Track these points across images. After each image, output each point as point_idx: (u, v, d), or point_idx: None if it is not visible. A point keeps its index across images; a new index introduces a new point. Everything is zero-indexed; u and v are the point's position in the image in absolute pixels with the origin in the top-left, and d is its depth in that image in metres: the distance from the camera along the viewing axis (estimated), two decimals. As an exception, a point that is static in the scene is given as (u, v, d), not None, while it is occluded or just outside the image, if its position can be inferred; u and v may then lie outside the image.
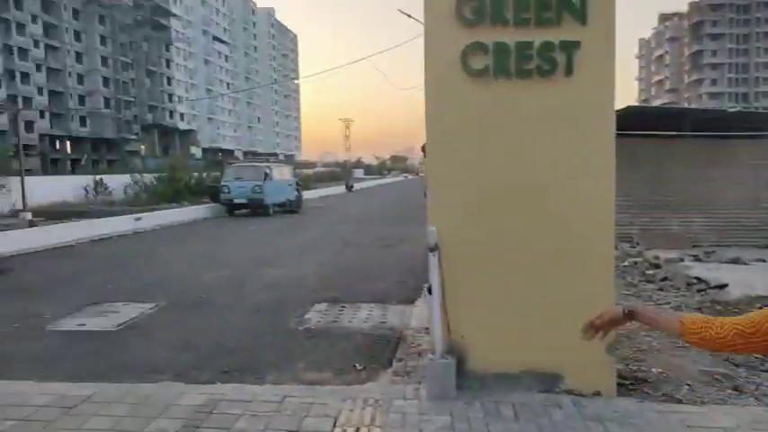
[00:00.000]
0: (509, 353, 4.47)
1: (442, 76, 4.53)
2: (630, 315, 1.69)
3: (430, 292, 4.57)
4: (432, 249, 4.56)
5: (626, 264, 9.43)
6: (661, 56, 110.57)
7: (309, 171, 54.07)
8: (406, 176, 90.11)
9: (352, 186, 41.88)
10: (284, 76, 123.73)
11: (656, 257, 9.51)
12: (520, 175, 4.54)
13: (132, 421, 3.79)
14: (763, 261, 9.65)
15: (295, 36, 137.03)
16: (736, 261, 9.45)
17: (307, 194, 28.97)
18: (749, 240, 11.85)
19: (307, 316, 6.70)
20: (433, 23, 4.54)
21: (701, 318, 1.62)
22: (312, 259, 10.88)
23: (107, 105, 70.38)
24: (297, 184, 23.96)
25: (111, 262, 10.83)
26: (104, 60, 70.67)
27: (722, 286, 7.50)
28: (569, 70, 4.44)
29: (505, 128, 4.52)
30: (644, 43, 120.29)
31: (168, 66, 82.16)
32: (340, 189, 40.32)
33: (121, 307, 7.11)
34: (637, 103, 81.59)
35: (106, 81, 70.74)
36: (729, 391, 4.18)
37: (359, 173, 77.11)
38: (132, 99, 74.41)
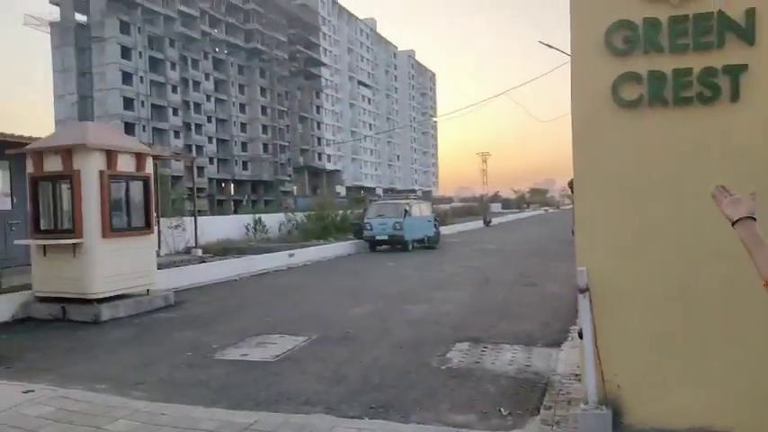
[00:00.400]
0: (673, 407, 4.07)
1: (591, 108, 4.39)
2: (750, 221, 1.65)
3: (581, 336, 4.35)
4: (582, 291, 4.35)
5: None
6: None
7: (446, 206, 54.35)
8: (546, 210, 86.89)
9: (489, 221, 41.35)
10: (423, 114, 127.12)
11: None
12: (684, 210, 4.20)
13: (289, 450, 4.03)
14: None
15: (433, 75, 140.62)
16: None
17: (444, 230, 29.13)
18: None
19: (448, 355, 6.68)
20: (581, 55, 4.43)
21: None
22: (452, 296, 10.87)
23: (265, 150, 77.52)
24: (435, 219, 24.24)
25: (269, 295, 11.72)
26: (264, 109, 78.25)
27: None
28: (735, 96, 4.08)
29: (663, 160, 4.24)
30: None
31: (318, 111, 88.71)
32: (477, 224, 39.99)
33: (278, 339, 7.65)
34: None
35: (265, 128, 78.14)
36: None
37: (496, 207, 75.87)
38: (287, 143, 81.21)
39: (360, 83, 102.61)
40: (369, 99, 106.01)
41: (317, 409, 4.99)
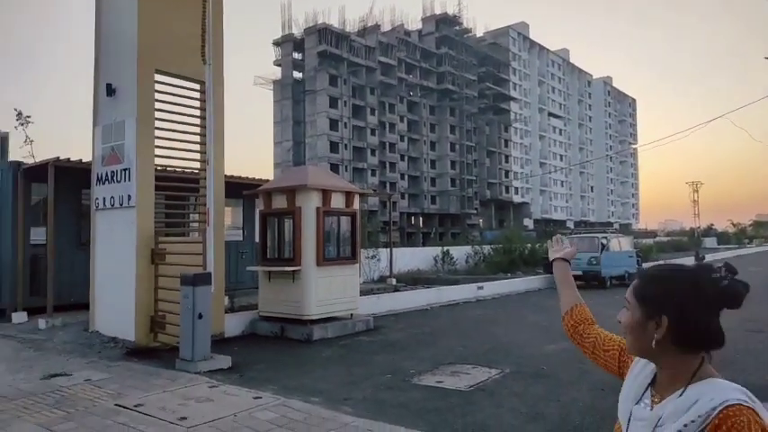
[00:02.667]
0: None
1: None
2: (563, 262, 1.95)
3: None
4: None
5: None
6: None
7: (650, 240, 49.60)
8: None
9: (703, 258, 36.70)
10: (620, 143, 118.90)
11: None
12: None
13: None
14: None
15: (633, 101, 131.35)
16: None
17: (648, 266, 26.58)
18: None
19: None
20: None
21: (589, 316, 1.84)
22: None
23: (453, 185, 79.27)
24: (637, 255, 22.36)
25: (460, 326, 11.90)
26: (452, 146, 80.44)
27: None
28: None
29: None
30: None
31: (506, 145, 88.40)
32: (688, 260, 35.76)
33: (471, 369, 7.75)
34: None
35: (453, 164, 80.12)
36: None
37: (710, 242, 67.07)
38: (474, 178, 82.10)
39: (550, 114, 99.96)
40: (560, 130, 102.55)
41: (514, 443, 4.96)
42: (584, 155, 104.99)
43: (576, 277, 13.47)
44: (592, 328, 1.78)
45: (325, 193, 10.46)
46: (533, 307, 15.05)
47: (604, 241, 20.50)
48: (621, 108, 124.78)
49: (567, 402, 6.17)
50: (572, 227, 70.61)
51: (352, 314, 10.96)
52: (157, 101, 9.22)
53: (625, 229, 76.33)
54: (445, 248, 26.73)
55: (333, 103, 68.51)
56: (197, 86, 9.47)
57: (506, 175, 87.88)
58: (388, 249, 19.35)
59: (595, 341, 1.73)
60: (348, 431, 5.20)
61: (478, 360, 8.30)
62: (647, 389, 1.41)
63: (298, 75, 72.41)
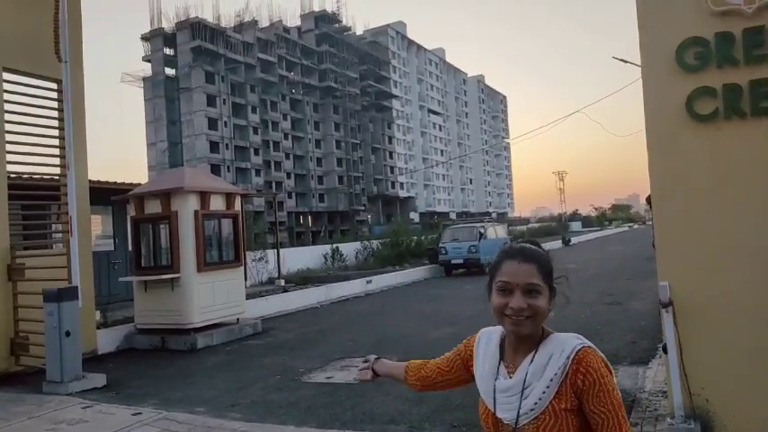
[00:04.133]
0: (763, 418, 3.91)
1: (666, 123, 4.41)
2: (374, 372, 1.92)
3: (665, 351, 4.29)
4: (665, 306, 4.30)
5: None
6: None
7: (523, 227, 53.28)
8: (630, 226, 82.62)
9: (569, 240, 40.10)
10: (494, 137, 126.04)
11: None
12: (758, 221, 4.09)
13: (375, 465, 4.21)
14: None
15: (504, 98, 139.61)
16: None
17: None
18: None
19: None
20: (652, 72, 4.49)
21: (420, 361, 1.90)
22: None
23: (340, 182, 79.61)
24: (510, 241, 23.92)
25: (349, 321, 12.05)
26: (338, 143, 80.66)
27: None
28: (817, 101, 3.98)
29: (740, 171, 4.17)
30: None
31: (390, 141, 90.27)
32: (556, 244, 38.88)
33: (360, 362, 7.86)
34: None
35: (339, 161, 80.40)
36: None
37: (576, 226, 73.28)
38: (360, 175, 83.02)
39: (430, 111, 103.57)
40: (439, 126, 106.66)
41: (401, 428, 5.15)
42: (462, 149, 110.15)
43: (458, 265, 14.24)
44: (427, 366, 1.84)
45: (204, 196, 10.09)
46: (419, 297, 15.60)
47: (482, 230, 21.68)
48: (494, 105, 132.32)
49: (450, 384, 6.50)
50: (454, 218, 73.85)
51: (238, 319, 10.69)
52: (6, 102, 8.35)
53: (501, 218, 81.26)
54: (335, 246, 26.85)
55: (211, 101, 65.83)
56: (54, 86, 8.70)
57: (392, 171, 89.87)
58: (276, 250, 19.06)
59: (439, 371, 1.80)
60: (236, 437, 5.10)
61: (367, 352, 8.32)
62: (499, 364, 1.53)
63: (170, 71, 68.67)
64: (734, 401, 3.99)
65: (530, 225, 65.87)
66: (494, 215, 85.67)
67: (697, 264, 4.23)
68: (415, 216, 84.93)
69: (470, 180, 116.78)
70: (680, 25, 4.32)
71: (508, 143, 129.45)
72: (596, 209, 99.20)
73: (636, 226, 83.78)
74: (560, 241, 39.91)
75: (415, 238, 28.89)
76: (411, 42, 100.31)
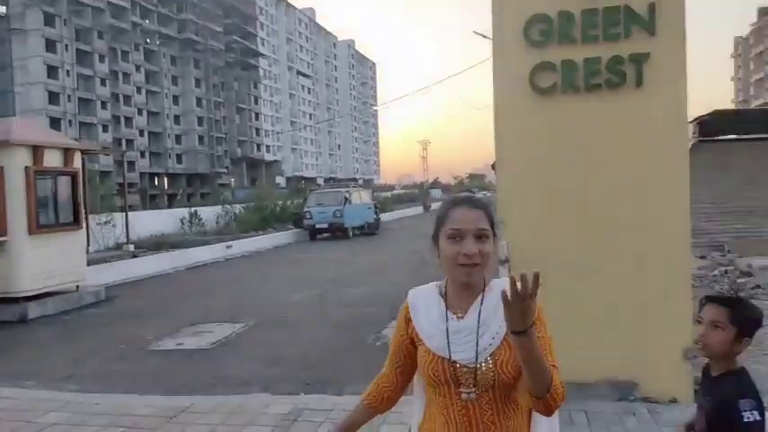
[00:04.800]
0: (584, 362, 4.42)
1: (511, 95, 4.67)
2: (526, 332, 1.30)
3: (502, 304, 4.65)
4: (502, 262, 4.64)
5: (715, 273, 8.93)
6: (761, 53, 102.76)
7: (388, 194, 54.79)
8: (485, 194, 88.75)
9: (429, 206, 42.03)
10: (363, 104, 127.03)
11: (749, 266, 8.94)
12: (590, 186, 4.55)
13: (226, 429, 4.12)
14: None
15: (374, 64, 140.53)
16: None
17: (385, 216, 29.47)
18: None
19: (384, 332, 6.91)
20: (501, 46, 4.70)
21: (372, 386, 1.72)
22: (390, 278, 11.13)
23: (201, 143, 75.37)
24: (375, 206, 24.49)
25: (205, 287, 11.60)
26: (199, 101, 75.90)
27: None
28: (639, 81, 4.45)
29: (574, 141, 4.57)
30: (741, 41, 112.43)
31: (256, 102, 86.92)
32: (418, 210, 40.64)
33: (215, 327, 7.65)
34: (733, 105, 76.31)
35: (200, 120, 75.86)
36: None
37: (436, 193, 76.98)
38: (223, 135, 79.25)
39: (299, 73, 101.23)
40: (308, 89, 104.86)
41: (254, 390, 5.09)
42: (331, 114, 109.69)
43: (322, 230, 14.18)
44: (384, 379, 1.69)
45: (37, 150, 8.98)
46: (282, 261, 15.45)
47: (347, 195, 21.91)
48: (363, 71, 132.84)
49: (306, 343, 6.56)
50: (321, 183, 73.86)
51: (78, 286, 9.79)
52: None
53: (368, 184, 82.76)
54: (193, 209, 25.55)
55: (50, 46, 58.28)
56: None
57: (257, 133, 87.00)
58: (124, 213, 17.67)
59: (399, 370, 1.64)
60: (70, 409, 4.70)
61: (223, 317, 8.24)
62: (446, 312, 1.50)
63: (1, 9, 59.55)
64: (557, 349, 4.45)
65: (394, 192, 67.85)
66: (360, 182, 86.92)
67: (532, 224, 4.61)
68: (281, 180, 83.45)
69: (338, 146, 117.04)
70: (528, 3, 4.58)
71: (376, 110, 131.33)
72: (455, 178, 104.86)
73: (488, 194, 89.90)
74: (421, 207, 41.69)
75: (281, 202, 28.44)
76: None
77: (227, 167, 79.25)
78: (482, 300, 1.48)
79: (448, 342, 1.46)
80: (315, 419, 4.16)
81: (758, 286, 7.80)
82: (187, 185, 71.66)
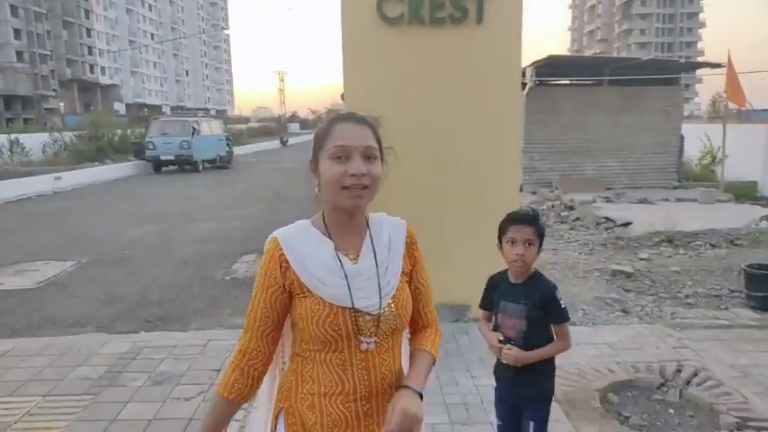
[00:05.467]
0: (426, 288, 4.74)
1: (359, 24, 4.61)
2: (420, 395, 1.30)
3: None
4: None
5: (544, 207, 9.96)
6: (593, 6, 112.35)
7: (242, 126, 52.53)
8: None
9: (286, 141, 41.17)
10: (213, 26, 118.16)
11: (572, 200, 10.08)
12: (432, 118, 4.71)
13: (54, 371, 3.82)
14: (667, 200, 10.43)
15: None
16: (643, 201, 10.18)
17: (239, 150, 28.38)
18: (658, 182, 12.73)
19: (233, 267, 6.78)
20: None
21: (228, 371, 1.33)
22: (242, 213, 10.84)
23: (20, 59, 65.23)
24: (227, 139, 23.37)
25: (29, 222, 10.39)
26: (14, 10, 64.95)
27: (626, 224, 8.11)
28: (480, 18, 4.61)
29: (419, 74, 4.67)
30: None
31: (87, 16, 76.56)
32: (274, 144, 39.66)
33: (41, 266, 6.94)
34: (569, 53, 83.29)
35: (17, 33, 65.22)
36: (618, 313, 4.64)
37: (294, 127, 75.52)
38: (48, 53, 69.22)
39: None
40: (149, 5, 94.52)
41: (87, 330, 4.76)
42: (176, 35, 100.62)
43: (168, 162, 13.30)
44: (245, 359, 1.33)
45: None
46: (121, 194, 14.28)
47: (195, 125, 20.58)
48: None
49: (148, 282, 6.21)
50: (168, 112, 68.51)
51: None
52: None
53: (221, 115, 78.43)
54: (14, 136, 22.37)
55: None
56: None
57: (90, 52, 77.30)
58: None
59: (273, 326, 1.33)
60: None
61: (51, 255, 7.48)
62: (337, 253, 1.31)
63: None
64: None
65: (249, 124, 65.08)
66: (213, 112, 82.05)
67: (378, 157, 4.70)
68: (120, 107, 75.78)
69: (186, 72, 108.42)
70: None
71: (228, 34, 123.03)
72: (313, 112, 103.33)
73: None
74: (278, 141, 40.68)
75: (119, 131, 25.95)
76: None
77: (54, 90, 69.92)
78: (370, 237, 1.34)
79: (349, 288, 1.27)
80: (156, 356, 4.01)
81: (578, 218, 8.85)
82: (6, 109, 62.35)
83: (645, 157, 12.96)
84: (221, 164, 21.90)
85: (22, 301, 5.59)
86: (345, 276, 1.28)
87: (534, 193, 11.66)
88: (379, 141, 1.34)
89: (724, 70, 11.72)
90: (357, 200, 1.27)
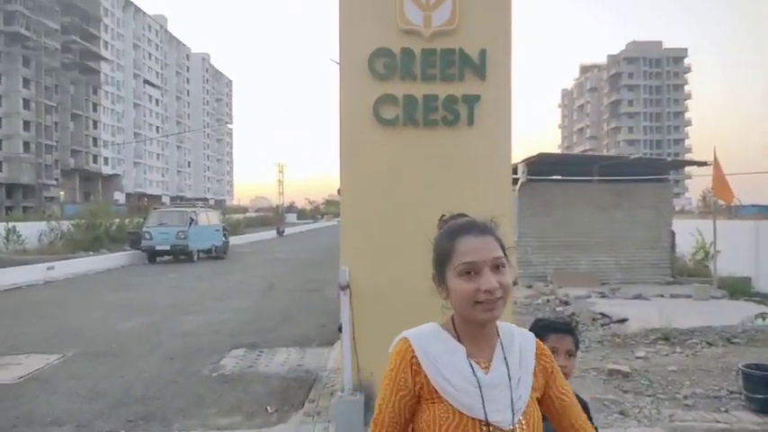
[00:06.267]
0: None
1: (356, 124, 4.83)
2: None
3: (340, 330, 4.69)
4: (343, 288, 4.71)
5: (539, 301, 9.90)
6: (582, 105, 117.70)
7: (240, 216, 53.13)
8: (339, 220, 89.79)
9: (283, 231, 41.48)
10: (217, 121, 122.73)
11: (566, 295, 10.04)
12: (425, 216, 4.79)
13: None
14: (662, 296, 10.39)
15: (230, 81, 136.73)
16: (638, 297, 10.14)
17: (236, 240, 28.51)
18: (652, 277, 12.74)
19: (222, 362, 6.61)
20: (348, 77, 4.86)
21: None
22: (234, 305, 10.72)
23: (26, 149, 67.06)
24: (224, 229, 23.56)
25: (18, 313, 10.22)
26: (26, 103, 67.66)
27: (622, 320, 8.03)
28: (471, 120, 4.83)
29: (413, 173, 4.82)
30: (566, 93, 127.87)
31: (95, 109, 79.65)
32: (271, 234, 39.92)
33: (24, 359, 6.75)
34: (559, 151, 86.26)
35: (27, 125, 67.53)
36: (616, 416, 4.49)
37: (291, 217, 76.40)
38: (54, 143, 71.29)
39: (146, 82, 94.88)
40: (156, 100, 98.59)
41: (66, 429, 4.56)
42: (181, 129, 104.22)
43: (163, 252, 13.32)
44: None
45: None
46: (114, 285, 14.16)
47: (193, 215, 20.81)
48: (219, 87, 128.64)
49: (133, 376, 6.02)
50: (167, 202, 69.47)
51: None
52: None
53: (220, 205, 79.50)
54: (11, 225, 22.53)
55: None
56: None
57: (95, 143, 79.61)
58: None
59: None
60: None
61: (36, 347, 7.30)
62: (470, 361, 1.26)
63: None
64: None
65: (247, 214, 65.92)
66: (211, 202, 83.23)
67: (372, 252, 4.75)
68: (120, 196, 76.96)
69: (188, 163, 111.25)
70: (374, 36, 4.80)
71: (231, 128, 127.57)
72: (311, 202, 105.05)
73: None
74: (275, 231, 40.98)
75: (117, 220, 26.17)
76: (128, 2, 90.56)
77: (56, 179, 71.26)
78: (501, 345, 1.28)
79: (482, 399, 1.20)
80: (134, 460, 3.82)
81: (573, 314, 8.77)
82: (7, 197, 63.22)
83: (637, 252, 13.06)
84: (217, 254, 21.92)
85: (3, 397, 5.39)
86: (479, 386, 1.21)
87: (530, 287, 11.63)
88: (503, 247, 1.28)
89: (710, 168, 12.10)
90: (492, 312, 1.22)
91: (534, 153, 12.46)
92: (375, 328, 4.70)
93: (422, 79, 4.83)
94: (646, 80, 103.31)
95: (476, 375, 1.22)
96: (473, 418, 1.20)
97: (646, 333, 7.32)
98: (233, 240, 26.33)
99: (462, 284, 1.22)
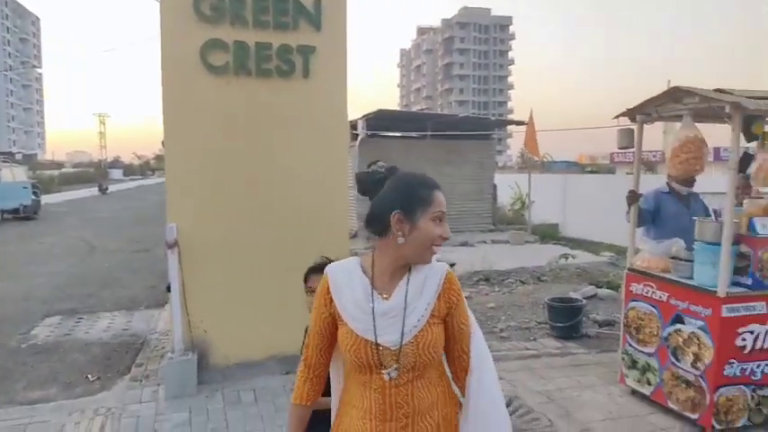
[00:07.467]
0: (253, 342, 4.55)
1: (181, 71, 4.45)
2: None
3: (168, 290, 4.42)
4: (170, 246, 4.41)
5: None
6: (419, 66, 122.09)
7: (55, 172, 47.34)
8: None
9: (106, 188, 37.72)
10: (22, 63, 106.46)
11: (401, 244, 10.57)
12: (259, 169, 4.64)
13: None
14: (485, 243, 11.42)
15: (37, 19, 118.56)
16: (464, 244, 11.02)
17: (49, 198, 25.41)
18: (476, 226, 13.92)
19: (33, 332, 5.92)
20: (170, 17, 4.43)
21: (299, 383, 1.60)
22: (48, 269, 9.60)
23: None
24: (34, 186, 20.80)
25: None
26: None
27: (451, 265, 8.68)
28: (306, 73, 4.72)
29: (246, 125, 4.60)
30: (404, 53, 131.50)
31: None
32: (93, 191, 36.23)
33: None
34: (399, 108, 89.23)
35: None
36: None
37: (117, 174, 69.95)
38: None
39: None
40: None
41: None
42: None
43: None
44: (310, 371, 1.58)
45: None
46: None
47: (-6, 172, 18.05)
48: (23, 24, 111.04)
49: None
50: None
51: None
52: None
53: (29, 160, 69.73)
54: None
55: None
56: None
57: None
58: None
59: (326, 351, 1.58)
60: None
61: None
62: (372, 291, 1.47)
63: None
64: (226, 331, 4.47)
65: (63, 170, 58.69)
66: (19, 156, 72.83)
67: (199, 206, 4.49)
68: None
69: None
70: (200, -26, 4.40)
71: (40, 73, 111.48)
72: (139, 157, 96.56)
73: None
74: (97, 189, 37.19)
75: None
76: None
77: None
78: (408, 279, 1.48)
79: (374, 324, 1.44)
80: None
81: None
82: None
83: (464, 203, 14.12)
84: (26, 214, 19.34)
85: None
86: (373, 314, 1.44)
87: (368, 239, 12.03)
88: None
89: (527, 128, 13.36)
90: (433, 255, 1.48)
91: (373, 110, 12.69)
92: (207, 285, 4.51)
93: (254, 26, 4.58)
94: (476, 45, 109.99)
95: (372, 305, 1.45)
96: (366, 339, 1.44)
97: (470, 275, 8.01)
98: (46, 199, 23.44)
99: (434, 228, 1.44)
